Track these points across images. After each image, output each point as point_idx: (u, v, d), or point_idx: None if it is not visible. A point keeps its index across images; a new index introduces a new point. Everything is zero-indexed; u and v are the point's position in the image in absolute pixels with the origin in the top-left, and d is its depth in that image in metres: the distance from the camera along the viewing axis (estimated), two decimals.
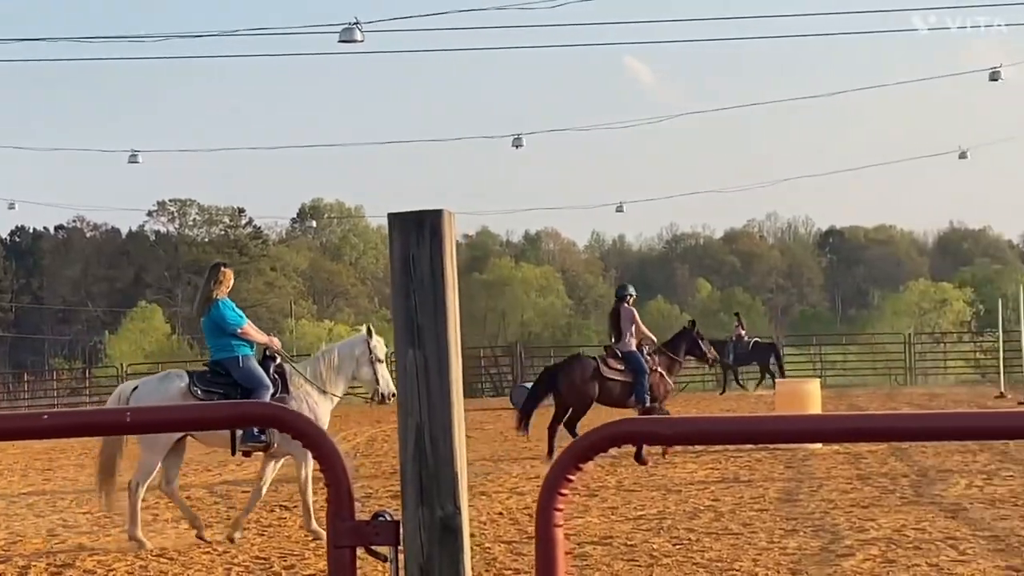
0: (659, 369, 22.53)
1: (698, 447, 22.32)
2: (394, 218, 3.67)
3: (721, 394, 45.96)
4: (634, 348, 22.39)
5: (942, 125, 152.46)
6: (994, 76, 46.53)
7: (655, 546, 13.30)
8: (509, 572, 12.14)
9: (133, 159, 54.89)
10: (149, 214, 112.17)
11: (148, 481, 14.83)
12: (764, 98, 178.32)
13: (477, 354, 65.56)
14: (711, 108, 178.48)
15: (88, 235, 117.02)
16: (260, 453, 15.13)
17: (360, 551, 3.69)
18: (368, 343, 15.36)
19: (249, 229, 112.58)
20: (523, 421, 22.46)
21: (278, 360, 15.11)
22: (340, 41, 38.38)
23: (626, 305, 22.67)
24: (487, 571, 12.36)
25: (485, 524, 15.27)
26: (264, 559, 13.44)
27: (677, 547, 13.20)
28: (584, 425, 20.63)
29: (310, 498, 14.62)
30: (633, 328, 22.49)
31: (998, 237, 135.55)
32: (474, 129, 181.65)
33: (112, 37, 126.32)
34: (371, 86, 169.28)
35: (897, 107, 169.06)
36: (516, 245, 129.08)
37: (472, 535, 14.27)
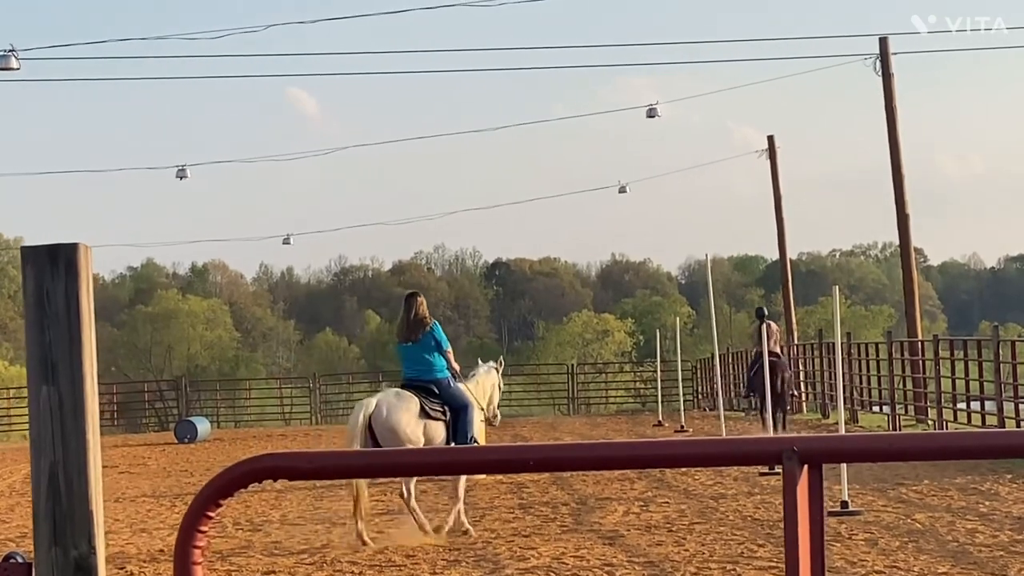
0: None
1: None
2: (28, 251, 3.58)
3: None
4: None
5: (603, 160, 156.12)
6: (651, 113, 47.83)
7: None
8: None
9: None
10: None
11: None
12: (429, 131, 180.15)
13: (141, 388, 64.26)
14: (377, 141, 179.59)
15: None
16: None
17: None
18: (499, 372, 18.12)
19: None
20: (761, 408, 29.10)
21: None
22: None
23: (771, 323, 29.55)
24: None
25: (146, 563, 14.98)
26: None
27: None
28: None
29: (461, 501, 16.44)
30: (776, 337, 29.83)
31: (657, 269, 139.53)
32: (138, 160, 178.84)
33: None
34: (30, 114, 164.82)
35: (560, 141, 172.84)
36: (182, 277, 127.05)
37: (132, 574, 13.95)
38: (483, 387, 17.40)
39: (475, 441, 16.30)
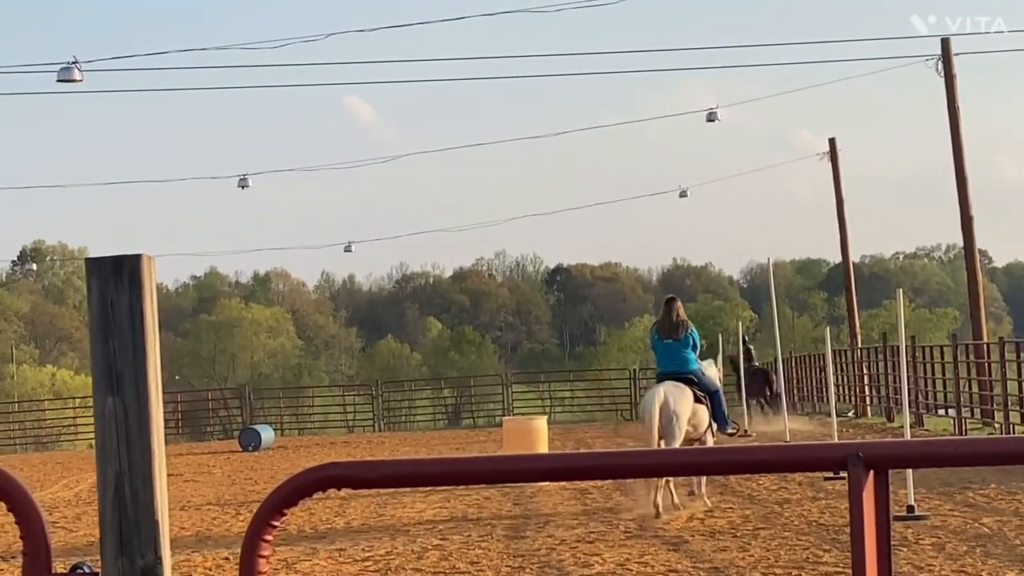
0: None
1: (426, 487, 22.33)
2: (91, 263, 3.59)
3: None
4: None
5: (663, 164, 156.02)
6: (711, 117, 47.70)
7: None
8: None
9: None
10: None
11: None
12: (489, 137, 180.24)
13: (205, 396, 64.61)
14: (437, 148, 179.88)
15: None
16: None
17: None
18: (717, 366, 21.90)
19: None
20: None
21: None
22: (59, 80, 37.52)
23: (751, 347, 40.88)
24: None
25: (211, 570, 15.05)
26: None
27: None
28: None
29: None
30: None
31: (719, 273, 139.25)
32: (200, 169, 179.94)
33: None
34: (93, 126, 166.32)
35: (619, 147, 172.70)
36: (245, 286, 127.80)
37: None
38: (711, 377, 19.81)
39: (731, 419, 19.66)
